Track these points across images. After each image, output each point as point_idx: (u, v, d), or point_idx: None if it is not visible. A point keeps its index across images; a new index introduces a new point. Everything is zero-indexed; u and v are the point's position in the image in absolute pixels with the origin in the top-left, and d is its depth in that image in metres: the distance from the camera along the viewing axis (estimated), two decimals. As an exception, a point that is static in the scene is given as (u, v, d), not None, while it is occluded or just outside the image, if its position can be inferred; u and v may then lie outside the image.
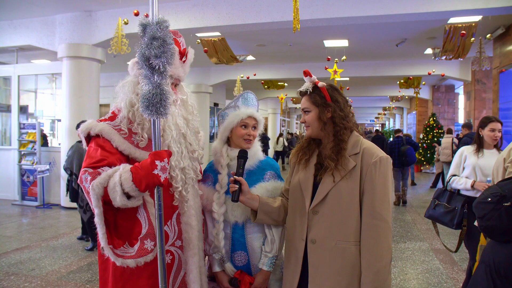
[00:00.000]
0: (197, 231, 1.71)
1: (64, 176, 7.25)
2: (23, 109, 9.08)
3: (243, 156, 1.74)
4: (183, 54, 1.73)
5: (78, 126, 5.10)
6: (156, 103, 1.34)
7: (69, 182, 5.04)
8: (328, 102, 1.60)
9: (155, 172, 1.38)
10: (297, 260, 1.62)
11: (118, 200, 1.42)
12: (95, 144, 1.59)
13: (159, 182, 1.40)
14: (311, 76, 1.62)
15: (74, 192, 4.93)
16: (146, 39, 1.33)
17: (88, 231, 4.89)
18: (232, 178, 1.67)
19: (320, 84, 1.61)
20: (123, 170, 1.44)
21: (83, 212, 4.80)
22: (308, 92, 1.63)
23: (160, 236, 1.45)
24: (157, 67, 1.33)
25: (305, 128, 1.69)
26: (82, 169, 1.52)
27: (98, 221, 1.46)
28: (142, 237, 1.53)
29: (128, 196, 1.44)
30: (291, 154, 1.79)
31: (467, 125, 7.62)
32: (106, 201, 1.46)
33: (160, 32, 1.33)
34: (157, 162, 1.39)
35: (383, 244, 1.48)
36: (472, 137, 7.45)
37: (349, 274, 1.51)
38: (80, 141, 5.35)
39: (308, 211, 1.60)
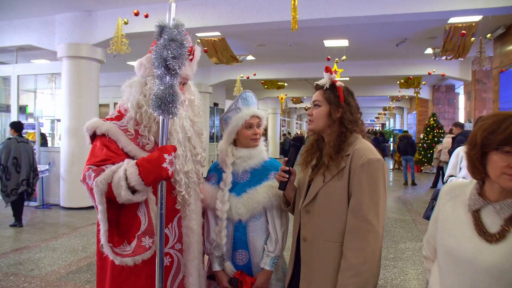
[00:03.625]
0: (197, 235, 1.71)
1: (63, 176, 7.27)
2: (22, 109, 9.07)
3: (296, 145, 1.72)
4: (190, 53, 1.72)
5: (12, 125, 5.72)
6: (168, 103, 1.37)
7: None
8: (340, 102, 1.60)
9: (164, 165, 1.40)
10: (292, 257, 1.70)
11: (123, 195, 1.41)
12: (100, 143, 1.57)
13: (167, 175, 1.41)
14: (331, 74, 1.64)
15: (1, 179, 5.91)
16: (163, 41, 1.37)
17: (14, 212, 5.99)
18: (283, 167, 1.68)
19: (339, 83, 1.63)
20: (127, 165, 1.44)
21: (6, 196, 5.81)
22: (325, 88, 1.63)
23: (161, 235, 1.45)
24: (173, 68, 1.37)
25: (308, 121, 1.68)
26: (86, 167, 1.51)
27: (101, 217, 1.44)
28: (140, 234, 1.51)
29: (133, 191, 1.43)
30: (300, 156, 1.80)
31: (458, 124, 7.72)
32: (109, 198, 1.44)
33: (179, 35, 1.38)
34: (166, 156, 1.41)
35: (367, 247, 1.44)
36: (466, 135, 7.75)
37: (336, 274, 1.50)
38: (10, 138, 5.81)
39: (300, 209, 1.64)
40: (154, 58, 1.39)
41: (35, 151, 7.64)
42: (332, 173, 1.53)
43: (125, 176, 1.40)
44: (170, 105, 1.38)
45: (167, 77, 1.39)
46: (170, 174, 1.41)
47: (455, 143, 7.03)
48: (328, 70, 1.64)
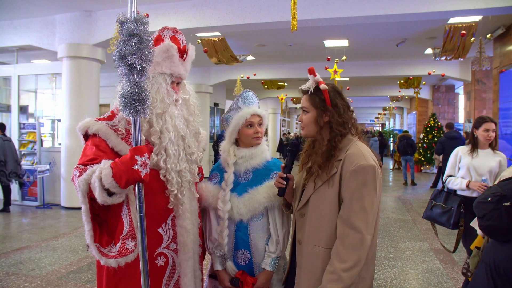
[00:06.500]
0: (192, 234, 1.69)
1: (64, 176, 7.29)
2: (23, 109, 9.09)
3: (292, 151, 1.73)
4: (183, 52, 1.70)
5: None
6: (134, 102, 1.32)
7: None
8: (327, 106, 1.54)
9: (135, 167, 1.34)
10: (289, 257, 1.73)
11: (97, 196, 1.39)
12: (91, 143, 1.58)
13: (139, 177, 1.36)
14: (315, 75, 1.55)
15: None
16: (122, 37, 1.30)
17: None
18: (281, 173, 1.68)
19: (322, 86, 1.54)
20: (103, 166, 1.40)
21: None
22: (310, 92, 1.57)
23: (142, 238, 1.41)
24: (134, 65, 1.30)
25: (300, 127, 1.68)
26: (75, 166, 1.52)
27: (84, 218, 1.44)
28: (123, 237, 1.50)
29: (110, 193, 1.40)
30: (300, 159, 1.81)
31: (448, 125, 8.71)
32: (93, 198, 1.43)
33: (137, 29, 1.30)
34: (137, 157, 1.35)
35: (352, 254, 1.42)
36: (448, 137, 8.50)
37: (321, 279, 1.49)
38: (3, 137, 6.50)
39: (295, 212, 1.65)
40: (115, 55, 1.32)
41: (35, 151, 7.75)
42: (322, 179, 1.52)
43: (99, 177, 1.37)
44: (137, 104, 1.32)
45: (134, 75, 1.32)
46: (143, 176, 1.35)
47: (438, 143, 8.34)
48: (311, 72, 1.55)
